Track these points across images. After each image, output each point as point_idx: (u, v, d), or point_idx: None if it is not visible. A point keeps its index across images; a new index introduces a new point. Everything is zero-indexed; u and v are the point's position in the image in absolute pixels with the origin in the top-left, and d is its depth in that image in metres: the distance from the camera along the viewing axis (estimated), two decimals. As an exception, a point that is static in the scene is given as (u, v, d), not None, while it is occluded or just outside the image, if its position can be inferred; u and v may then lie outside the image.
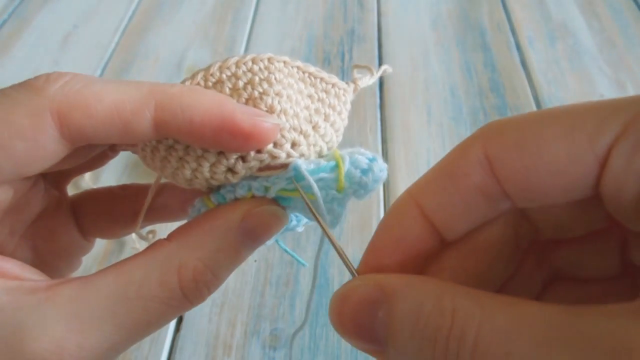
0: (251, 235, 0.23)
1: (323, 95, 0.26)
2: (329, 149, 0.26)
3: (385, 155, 0.57)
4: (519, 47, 0.70)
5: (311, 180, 0.23)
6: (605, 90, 0.64)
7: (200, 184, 0.24)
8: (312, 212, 0.24)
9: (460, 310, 0.17)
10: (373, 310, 0.19)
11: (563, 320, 0.16)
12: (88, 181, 0.52)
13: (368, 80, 0.28)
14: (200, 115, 0.21)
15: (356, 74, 0.28)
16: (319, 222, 0.24)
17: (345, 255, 0.23)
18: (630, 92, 0.63)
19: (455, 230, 0.21)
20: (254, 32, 0.74)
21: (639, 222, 0.18)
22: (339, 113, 0.26)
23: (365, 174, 0.23)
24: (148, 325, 0.21)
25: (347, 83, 0.28)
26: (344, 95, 0.27)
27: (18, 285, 0.20)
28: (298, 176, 0.24)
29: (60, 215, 0.29)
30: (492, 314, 0.16)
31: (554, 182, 0.18)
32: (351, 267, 0.22)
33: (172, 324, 0.43)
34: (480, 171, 0.19)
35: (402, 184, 0.53)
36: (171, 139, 0.24)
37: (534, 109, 0.61)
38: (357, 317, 0.19)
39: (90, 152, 0.27)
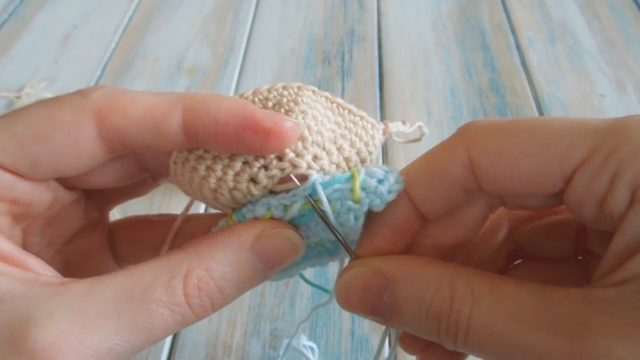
0: (262, 257, 0.23)
1: (350, 125, 0.27)
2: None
3: (385, 155, 0.57)
4: (519, 47, 0.70)
5: (320, 191, 0.23)
6: (605, 90, 0.64)
7: (224, 196, 0.24)
8: (323, 219, 0.24)
9: (457, 296, 0.20)
10: (378, 295, 0.22)
11: (535, 302, 0.19)
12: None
13: (399, 127, 0.28)
14: (224, 116, 0.23)
15: (389, 123, 0.28)
16: (326, 222, 0.24)
17: (344, 238, 0.24)
18: (630, 92, 0.63)
19: (437, 213, 0.24)
20: (254, 32, 0.74)
21: (596, 226, 0.22)
22: (366, 144, 0.26)
23: (381, 183, 0.23)
24: (149, 331, 0.21)
25: (378, 122, 0.28)
26: (372, 129, 0.27)
27: (34, 278, 0.21)
28: (314, 193, 0.24)
29: (98, 237, 0.30)
30: (481, 296, 0.20)
31: (525, 189, 0.22)
32: (350, 250, 0.25)
33: (172, 324, 0.43)
34: (463, 172, 0.22)
35: (402, 184, 0.53)
36: (201, 149, 0.24)
37: (534, 109, 0.61)
38: (362, 299, 0.22)
39: (130, 173, 0.27)
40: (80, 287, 0.21)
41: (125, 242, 0.31)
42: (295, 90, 0.26)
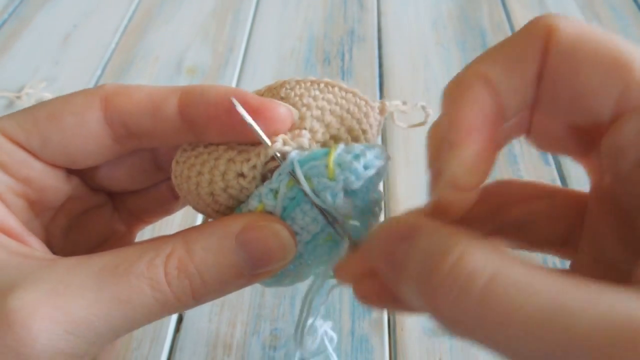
0: (246, 248, 0.22)
1: (342, 102, 0.25)
2: None
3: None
4: (519, 47, 0.70)
5: (296, 166, 0.22)
6: (605, 90, 0.64)
7: (221, 196, 0.24)
8: (307, 196, 0.23)
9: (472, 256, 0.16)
10: (400, 242, 0.19)
11: (579, 294, 0.15)
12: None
13: (399, 106, 0.27)
14: (214, 97, 0.24)
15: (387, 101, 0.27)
16: (315, 204, 0.23)
17: (332, 215, 0.23)
18: (630, 92, 0.63)
19: (515, 110, 0.21)
20: (254, 32, 0.74)
21: (621, 188, 0.19)
22: (358, 121, 0.25)
23: (356, 158, 0.21)
24: (129, 305, 0.21)
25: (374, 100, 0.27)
26: (365, 106, 0.26)
27: (29, 252, 0.22)
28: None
29: None
30: (505, 267, 0.16)
31: (579, 101, 0.19)
32: (339, 231, 0.24)
33: (172, 324, 0.43)
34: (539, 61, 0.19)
35: (402, 184, 0.53)
36: (196, 149, 0.25)
37: (534, 109, 0.61)
38: (384, 245, 0.20)
39: (144, 171, 0.28)
40: (68, 262, 0.21)
41: None
42: (282, 84, 0.26)
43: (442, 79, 0.66)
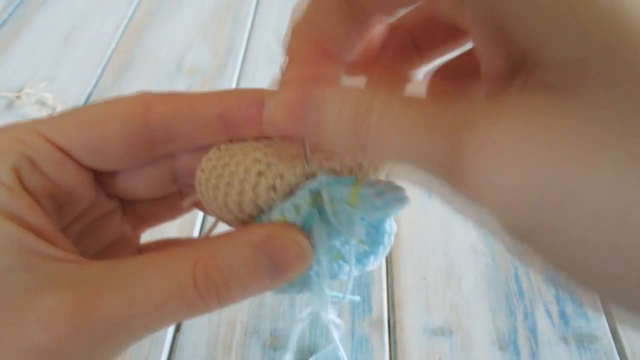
0: (270, 255, 0.23)
1: None
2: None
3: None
4: (519, 47, 0.70)
5: (325, 187, 0.24)
6: (605, 90, 0.64)
7: (249, 207, 0.25)
8: (327, 216, 0.24)
9: (373, 108, 0.19)
10: (304, 112, 0.22)
11: (437, 109, 0.18)
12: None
13: None
14: (251, 98, 0.26)
15: None
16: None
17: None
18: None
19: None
20: (254, 32, 0.74)
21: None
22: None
23: (379, 195, 0.23)
24: (158, 305, 0.22)
25: None
26: None
27: (63, 256, 0.22)
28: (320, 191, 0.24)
29: (127, 254, 0.31)
30: (393, 106, 0.19)
31: None
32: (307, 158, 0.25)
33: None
34: None
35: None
36: (222, 159, 0.26)
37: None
38: (289, 116, 0.23)
39: (162, 183, 0.29)
40: (99, 265, 0.22)
41: None
42: None
43: (442, 79, 0.66)
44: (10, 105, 0.62)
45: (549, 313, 0.44)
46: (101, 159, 0.26)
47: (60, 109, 0.62)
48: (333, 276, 0.28)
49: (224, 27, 0.75)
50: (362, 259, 0.27)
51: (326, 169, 0.25)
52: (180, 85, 0.65)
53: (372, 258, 0.27)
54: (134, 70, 0.68)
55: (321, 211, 0.25)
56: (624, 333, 0.42)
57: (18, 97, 0.63)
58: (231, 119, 0.26)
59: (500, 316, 0.44)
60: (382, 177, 0.27)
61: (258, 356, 0.41)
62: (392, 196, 0.23)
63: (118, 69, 0.68)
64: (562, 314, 0.44)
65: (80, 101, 0.64)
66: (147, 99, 0.26)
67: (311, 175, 0.25)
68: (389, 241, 0.27)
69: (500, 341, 0.42)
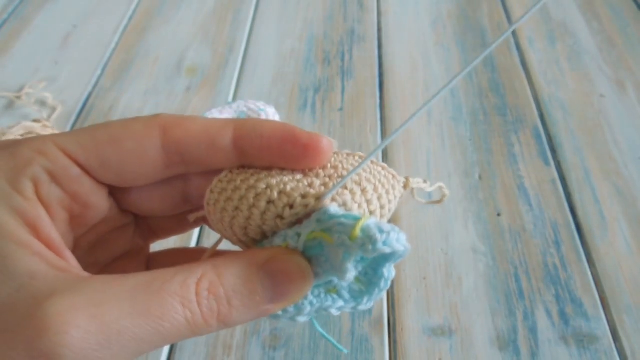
0: (272, 277, 0.24)
1: (375, 172, 0.28)
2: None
3: (385, 155, 0.57)
4: (519, 47, 0.70)
5: (325, 215, 0.24)
6: (605, 90, 0.64)
7: (254, 232, 0.26)
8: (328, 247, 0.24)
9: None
10: None
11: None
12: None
13: (420, 184, 0.29)
14: (268, 131, 0.26)
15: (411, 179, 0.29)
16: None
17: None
18: (630, 92, 0.63)
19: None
20: (254, 32, 0.74)
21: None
22: (387, 192, 0.27)
23: (380, 232, 0.23)
24: (160, 321, 0.22)
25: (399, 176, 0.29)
26: (392, 179, 0.28)
27: (68, 267, 0.23)
28: (325, 218, 0.24)
29: (138, 264, 0.32)
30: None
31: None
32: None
33: (172, 324, 0.43)
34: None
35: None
36: (233, 182, 0.27)
37: (534, 109, 0.61)
38: None
39: (175, 201, 0.30)
40: (103, 278, 0.23)
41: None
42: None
43: (442, 79, 0.66)
44: (10, 105, 0.62)
45: (549, 313, 0.44)
46: (116, 176, 0.27)
47: (60, 109, 0.62)
48: (325, 308, 0.28)
49: (224, 27, 0.75)
50: (356, 297, 0.27)
51: (340, 203, 0.25)
52: (180, 85, 0.66)
53: (366, 298, 0.27)
54: (134, 70, 0.68)
55: (322, 243, 0.25)
56: (624, 333, 0.42)
57: (18, 97, 0.63)
58: (244, 149, 0.27)
59: (500, 316, 0.44)
60: (388, 220, 0.27)
61: (258, 356, 0.42)
62: (395, 237, 0.23)
63: (118, 69, 0.68)
64: (562, 314, 0.44)
65: (80, 101, 0.64)
66: (164, 122, 0.26)
67: (321, 207, 0.25)
68: (385, 286, 0.27)
69: (500, 341, 0.42)
